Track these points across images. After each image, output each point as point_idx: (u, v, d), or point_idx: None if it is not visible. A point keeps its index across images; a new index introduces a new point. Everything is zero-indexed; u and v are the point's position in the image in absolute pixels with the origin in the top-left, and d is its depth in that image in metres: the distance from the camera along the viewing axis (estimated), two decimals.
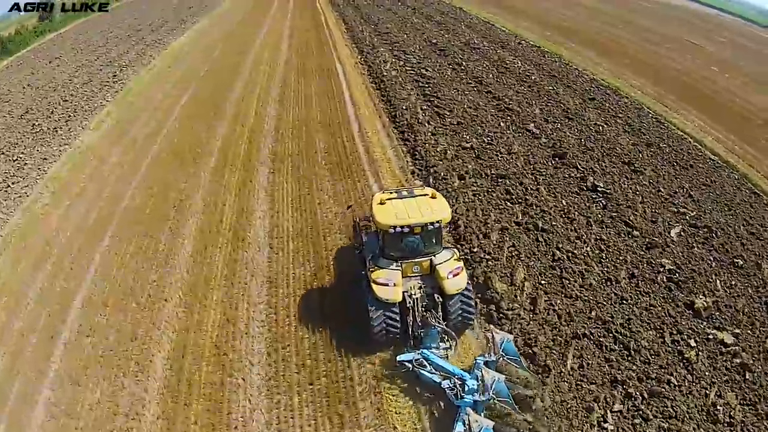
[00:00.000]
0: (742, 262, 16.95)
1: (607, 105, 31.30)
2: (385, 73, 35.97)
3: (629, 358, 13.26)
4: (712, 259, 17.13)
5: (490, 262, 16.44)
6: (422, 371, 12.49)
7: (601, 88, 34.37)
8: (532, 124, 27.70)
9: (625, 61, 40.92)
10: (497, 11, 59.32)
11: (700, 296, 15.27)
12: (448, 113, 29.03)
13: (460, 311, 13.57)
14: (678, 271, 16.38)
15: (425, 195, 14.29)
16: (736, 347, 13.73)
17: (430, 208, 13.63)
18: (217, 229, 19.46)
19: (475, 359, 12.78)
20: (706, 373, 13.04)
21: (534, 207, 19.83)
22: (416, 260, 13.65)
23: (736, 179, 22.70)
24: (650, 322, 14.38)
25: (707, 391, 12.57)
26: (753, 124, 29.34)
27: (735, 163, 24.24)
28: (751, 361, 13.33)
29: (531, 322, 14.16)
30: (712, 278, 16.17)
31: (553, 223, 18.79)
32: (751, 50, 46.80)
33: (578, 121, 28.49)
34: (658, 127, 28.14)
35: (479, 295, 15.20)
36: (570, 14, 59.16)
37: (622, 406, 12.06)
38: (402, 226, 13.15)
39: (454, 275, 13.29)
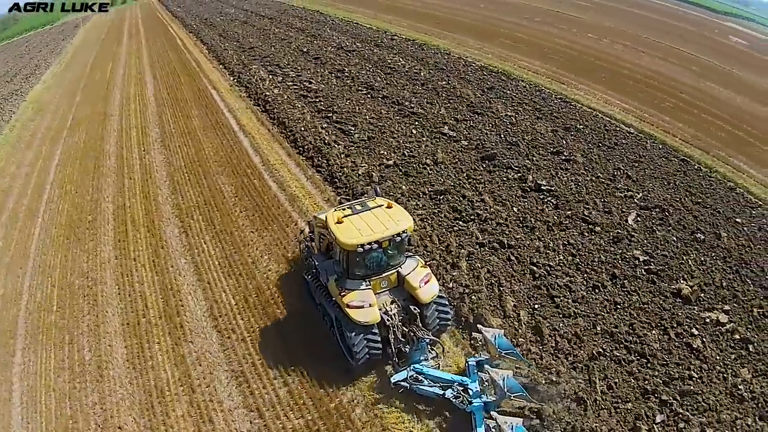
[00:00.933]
0: (702, 236, 19.88)
1: (508, 92, 34.37)
2: (267, 93, 35.82)
3: (649, 365, 14.88)
4: (675, 239, 19.82)
5: (473, 296, 17.16)
6: (420, 386, 13.43)
7: (494, 75, 37.73)
8: (446, 127, 29.39)
9: (505, 41, 45.18)
10: (354, 8, 62.32)
11: (682, 281, 17.67)
12: (352, 128, 29.66)
13: (438, 318, 14.83)
14: (652, 260, 18.72)
15: (381, 206, 15.18)
16: (732, 323, 16.14)
17: (392, 219, 14.55)
18: (146, 319, 18.36)
19: (467, 361, 14.12)
20: (717, 357, 15.16)
21: (489, 222, 21.09)
22: (383, 275, 14.62)
23: (660, 149, 26.50)
24: (650, 321, 16.26)
25: (724, 375, 14.67)
26: (651, 86, 34.31)
27: (652, 132, 28.27)
28: (749, 333, 15.80)
29: (544, 355, 15.14)
30: (683, 259, 18.74)
31: (516, 236, 20.20)
32: (620, 11, 54.63)
33: (488, 115, 30.87)
34: (566, 108, 31.67)
35: (474, 337, 15.83)
36: (426, 1, 63.43)
37: (662, 415, 13.53)
38: (370, 243, 13.79)
39: (426, 283, 14.50)
